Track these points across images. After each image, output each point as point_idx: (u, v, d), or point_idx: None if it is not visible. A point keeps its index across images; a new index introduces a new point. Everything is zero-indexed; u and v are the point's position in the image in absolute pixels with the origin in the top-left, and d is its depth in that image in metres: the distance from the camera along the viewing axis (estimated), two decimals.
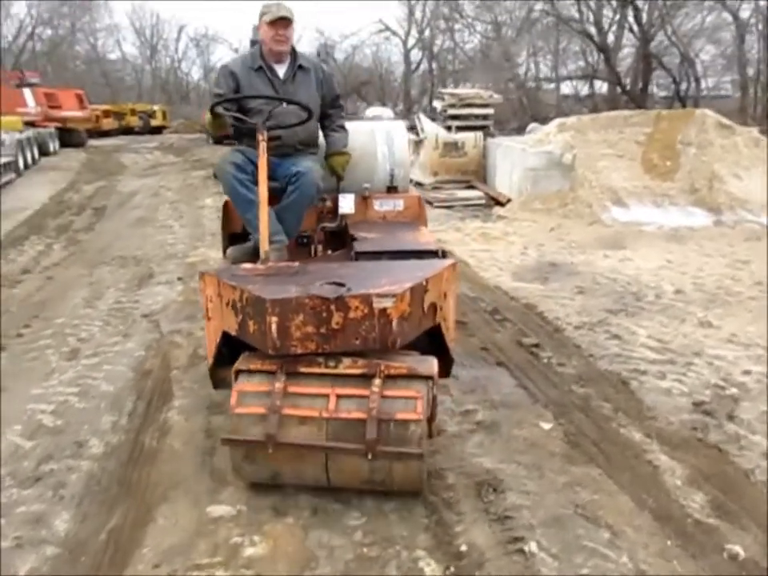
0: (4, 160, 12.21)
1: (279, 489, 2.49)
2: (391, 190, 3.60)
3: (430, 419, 2.43)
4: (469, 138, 10.53)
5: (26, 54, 38.42)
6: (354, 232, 3.25)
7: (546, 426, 3.01)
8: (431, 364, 2.41)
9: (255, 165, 2.89)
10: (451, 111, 11.44)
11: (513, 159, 9.05)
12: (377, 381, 2.26)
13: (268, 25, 3.16)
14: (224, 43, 55.31)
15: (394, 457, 2.23)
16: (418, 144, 11.18)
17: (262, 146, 2.84)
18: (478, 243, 6.76)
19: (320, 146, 3.51)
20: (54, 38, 41.33)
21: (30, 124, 19.94)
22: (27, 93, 22.98)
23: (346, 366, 2.31)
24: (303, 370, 2.33)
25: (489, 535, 2.25)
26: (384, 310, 2.24)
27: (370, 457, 2.21)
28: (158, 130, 34.10)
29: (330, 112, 3.48)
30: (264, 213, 2.76)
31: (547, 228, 7.35)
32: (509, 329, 4.28)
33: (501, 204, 8.71)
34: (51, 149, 18.94)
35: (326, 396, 2.28)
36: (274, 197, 3.16)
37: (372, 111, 19.83)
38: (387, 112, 16.82)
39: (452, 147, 10.54)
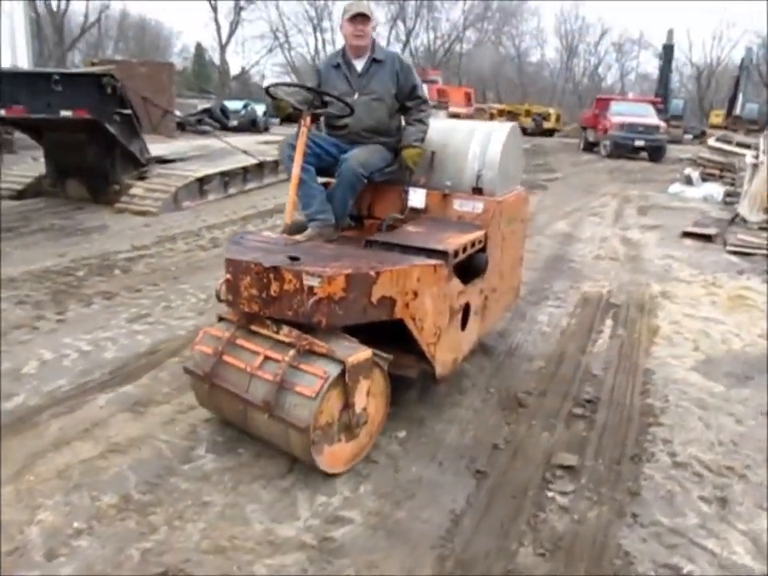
0: None
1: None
2: (476, 191, 3.42)
3: (349, 405, 2.46)
4: None
5: (450, 54, 42.82)
6: (404, 224, 3.27)
7: None
8: (353, 353, 2.43)
9: (314, 146, 3.21)
10: None
11: None
12: (291, 352, 2.42)
13: (348, 21, 3.32)
14: (648, 48, 52.71)
15: (284, 422, 2.37)
16: (754, 168, 8.73)
17: (302, 130, 3.05)
18: (712, 309, 4.90)
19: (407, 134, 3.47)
20: (479, 39, 45.32)
21: None
22: (424, 88, 25.61)
23: (283, 334, 2.51)
24: (253, 327, 2.61)
25: None
26: (311, 288, 2.35)
27: (267, 416, 2.40)
28: (549, 133, 34.36)
29: (409, 104, 3.47)
30: (292, 190, 3.00)
31: None
32: (571, 433, 2.97)
33: None
34: None
35: (258, 354, 2.51)
36: None
37: None
38: None
39: None
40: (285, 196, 3.25)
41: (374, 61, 3.39)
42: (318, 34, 41.36)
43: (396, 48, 42.36)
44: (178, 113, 20.15)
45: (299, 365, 2.40)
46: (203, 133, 18.42)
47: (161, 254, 5.80)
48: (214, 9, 39.60)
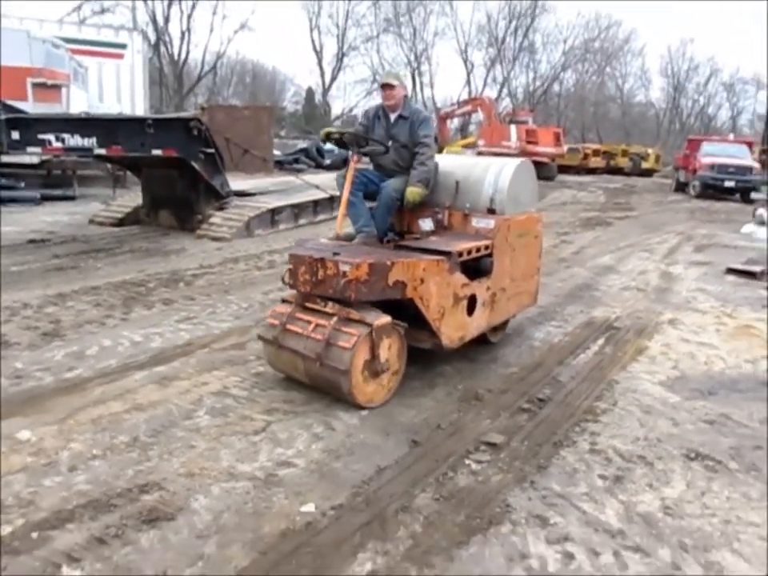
0: None
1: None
2: (490, 211, 4.26)
3: (374, 356, 3.40)
4: None
5: (547, 95, 43.04)
6: (431, 236, 4.27)
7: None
8: (378, 318, 3.40)
9: (362, 177, 4.35)
10: None
11: None
12: (335, 319, 3.39)
13: (380, 87, 4.56)
14: (765, 88, 50.43)
15: (331, 368, 3.32)
16: None
17: (350, 165, 4.20)
18: (713, 336, 5.10)
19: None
20: (579, 80, 45.32)
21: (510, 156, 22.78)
22: (512, 129, 26.16)
23: (329, 308, 3.46)
24: (307, 304, 3.58)
25: None
26: (345, 272, 3.30)
27: (318, 365, 3.34)
28: (647, 173, 33.72)
29: (416, 150, 4.40)
30: (342, 208, 4.16)
31: None
32: (511, 422, 3.43)
33: None
34: None
35: (310, 323, 3.46)
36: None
37: None
38: None
39: None
40: (348, 226, 4.21)
41: (400, 117, 4.47)
42: (417, 78, 42.98)
43: (494, 89, 43.28)
44: (277, 152, 21.89)
45: (340, 328, 3.34)
46: (298, 170, 19.85)
47: (222, 272, 6.72)
48: (319, 56, 42.28)
